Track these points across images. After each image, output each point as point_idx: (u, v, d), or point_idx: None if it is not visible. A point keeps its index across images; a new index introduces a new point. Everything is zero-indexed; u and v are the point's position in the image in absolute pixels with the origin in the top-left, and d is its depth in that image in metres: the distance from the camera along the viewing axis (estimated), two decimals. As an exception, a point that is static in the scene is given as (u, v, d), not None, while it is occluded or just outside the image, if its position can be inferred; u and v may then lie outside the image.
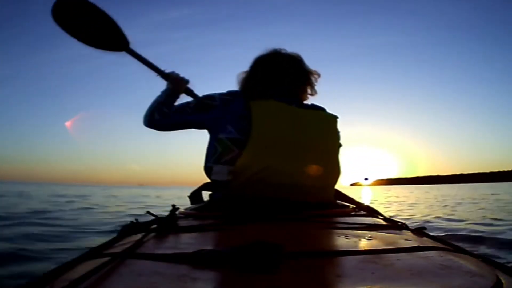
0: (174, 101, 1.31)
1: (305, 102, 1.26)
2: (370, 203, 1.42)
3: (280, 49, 1.25)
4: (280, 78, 1.20)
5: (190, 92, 1.43)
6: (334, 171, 1.15)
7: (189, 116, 1.20)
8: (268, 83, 1.19)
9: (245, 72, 1.27)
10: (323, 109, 1.24)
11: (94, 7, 1.41)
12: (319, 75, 1.28)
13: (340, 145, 1.22)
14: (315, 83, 1.27)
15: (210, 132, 1.19)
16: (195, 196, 1.23)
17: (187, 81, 1.41)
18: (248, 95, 1.16)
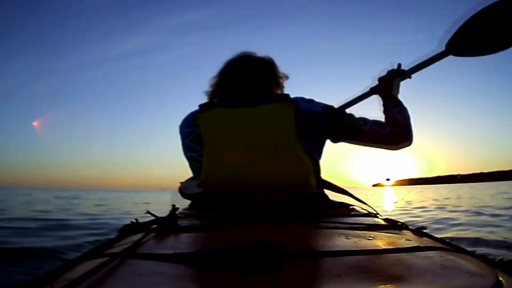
0: None
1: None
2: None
3: (250, 52, 1.27)
4: (246, 81, 1.22)
5: None
6: (292, 161, 1.06)
7: None
8: (234, 86, 1.22)
9: (214, 76, 1.29)
10: (283, 98, 1.16)
11: None
12: (287, 77, 1.31)
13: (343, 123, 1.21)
14: (283, 86, 1.30)
15: None
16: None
17: None
18: (204, 106, 1.17)
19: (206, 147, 1.09)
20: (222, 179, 1.06)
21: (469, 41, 1.23)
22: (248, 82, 1.22)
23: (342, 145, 1.29)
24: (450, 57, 1.26)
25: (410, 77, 1.32)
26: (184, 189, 1.19)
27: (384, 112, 1.29)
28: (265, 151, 1.06)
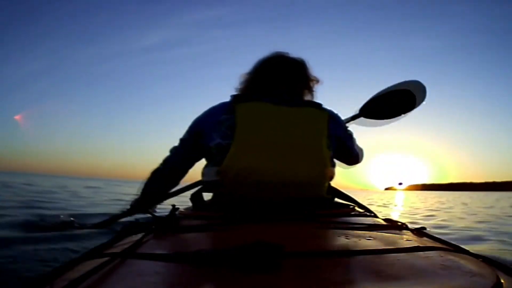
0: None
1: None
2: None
3: (284, 52, 1.28)
4: (280, 81, 1.22)
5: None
6: (319, 166, 1.11)
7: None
8: (267, 84, 1.22)
9: (247, 73, 1.29)
10: (317, 105, 1.22)
11: None
12: (318, 81, 1.32)
13: (347, 136, 1.32)
14: (314, 89, 1.32)
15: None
16: (196, 198, 1.23)
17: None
18: (240, 97, 1.17)
19: (237, 136, 1.07)
20: (245, 168, 1.05)
21: (373, 109, 1.84)
22: (281, 82, 1.22)
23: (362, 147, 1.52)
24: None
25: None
26: (204, 175, 1.17)
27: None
28: (294, 150, 1.09)
